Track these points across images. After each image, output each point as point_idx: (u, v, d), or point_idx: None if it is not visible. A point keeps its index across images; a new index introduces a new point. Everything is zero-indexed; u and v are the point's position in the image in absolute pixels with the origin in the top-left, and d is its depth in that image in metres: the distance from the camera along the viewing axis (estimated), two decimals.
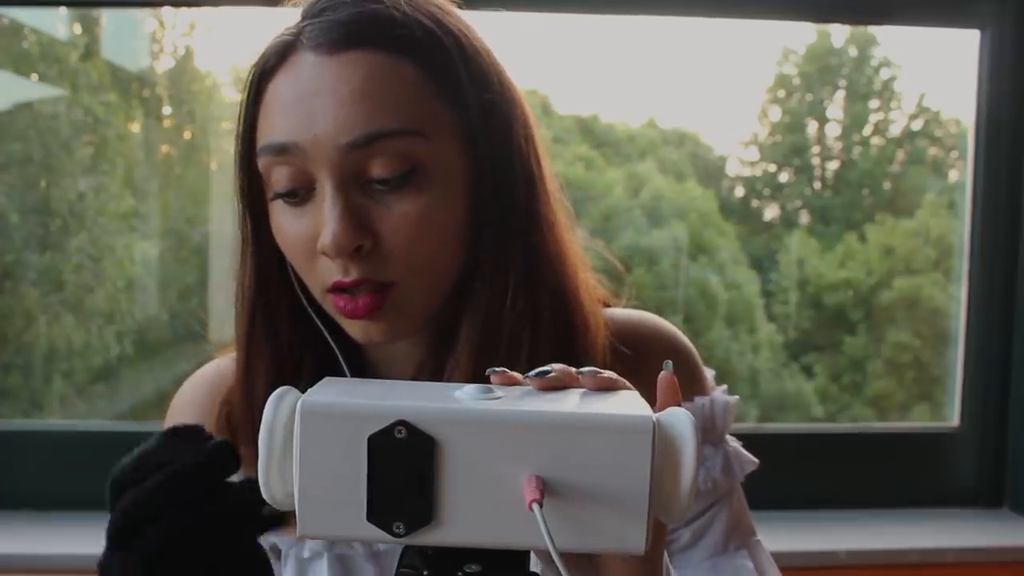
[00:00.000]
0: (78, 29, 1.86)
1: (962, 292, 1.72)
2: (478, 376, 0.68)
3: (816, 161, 2.45)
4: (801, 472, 1.63)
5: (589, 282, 0.79)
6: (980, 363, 1.70)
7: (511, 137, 0.72)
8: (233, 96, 2.05)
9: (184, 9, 1.89)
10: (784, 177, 2.44)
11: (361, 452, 0.48)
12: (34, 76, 1.79)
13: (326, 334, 0.75)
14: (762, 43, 2.24)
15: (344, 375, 0.76)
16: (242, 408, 0.76)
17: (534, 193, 0.73)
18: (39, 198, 1.79)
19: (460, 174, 0.69)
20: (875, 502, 1.66)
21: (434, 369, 0.74)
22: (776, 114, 2.43)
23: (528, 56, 1.59)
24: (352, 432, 0.48)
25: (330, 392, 0.51)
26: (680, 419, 0.51)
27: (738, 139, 2.41)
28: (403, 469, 0.48)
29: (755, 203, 2.50)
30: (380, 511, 0.48)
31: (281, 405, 0.50)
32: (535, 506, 0.46)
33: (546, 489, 0.48)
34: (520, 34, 1.69)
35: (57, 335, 1.80)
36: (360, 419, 0.48)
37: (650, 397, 0.51)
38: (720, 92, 2.14)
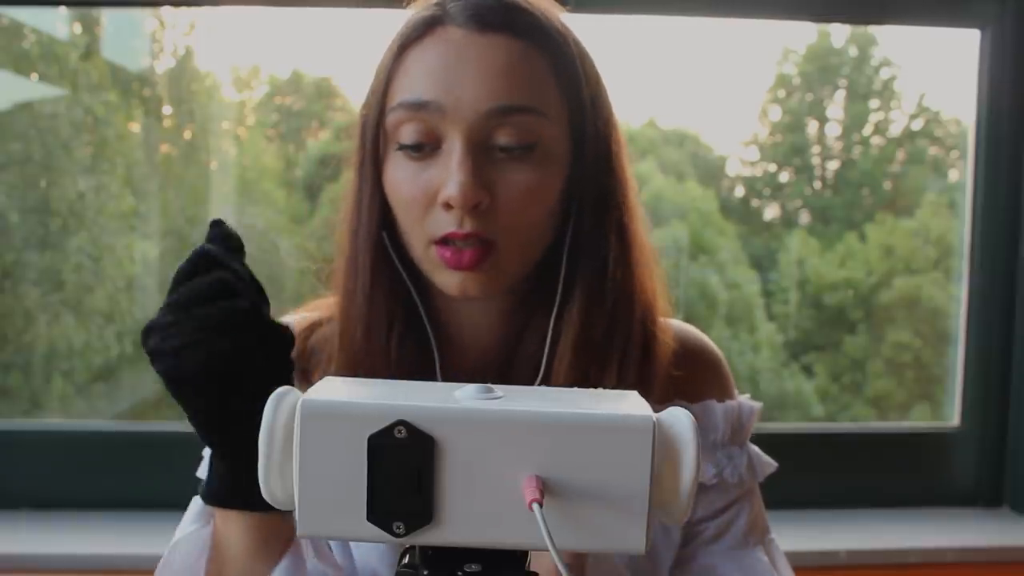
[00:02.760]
0: (78, 29, 1.86)
1: (962, 292, 1.72)
2: (582, 349, 0.77)
3: (816, 161, 2.45)
4: (801, 472, 1.63)
5: (662, 285, 0.86)
6: (980, 363, 1.70)
7: (608, 133, 0.80)
8: (233, 96, 2.05)
9: (184, 9, 1.89)
10: (784, 177, 2.44)
11: (361, 452, 0.48)
12: (34, 76, 1.79)
13: (413, 291, 0.80)
14: (762, 43, 2.24)
15: (425, 329, 0.81)
16: (341, 356, 0.81)
17: (625, 187, 0.82)
18: (39, 198, 1.79)
19: (563, 157, 0.77)
20: (875, 502, 1.66)
21: (506, 336, 0.82)
22: (776, 114, 2.42)
23: None
24: (352, 432, 0.48)
25: (330, 392, 0.51)
26: (680, 419, 0.51)
27: (738, 139, 2.41)
28: (403, 469, 0.48)
29: (755, 203, 2.49)
30: (380, 511, 0.48)
31: (281, 405, 0.50)
32: (535, 506, 0.46)
33: (546, 489, 0.48)
34: None
35: (57, 335, 1.80)
36: (360, 419, 0.48)
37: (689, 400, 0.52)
38: (720, 92, 2.14)
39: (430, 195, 0.75)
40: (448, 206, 0.74)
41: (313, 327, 0.86)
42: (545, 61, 0.76)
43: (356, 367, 0.79)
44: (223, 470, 0.66)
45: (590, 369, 0.78)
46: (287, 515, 0.66)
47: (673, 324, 0.88)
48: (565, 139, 0.77)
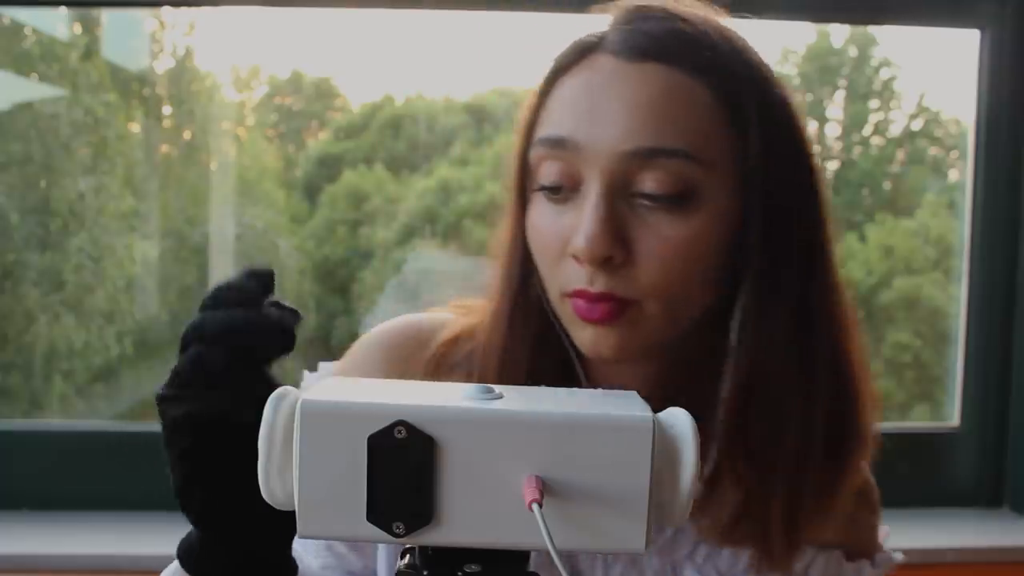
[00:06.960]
0: (78, 29, 1.86)
1: (962, 292, 1.72)
2: (749, 458, 0.68)
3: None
4: None
5: (865, 356, 0.75)
6: (980, 363, 1.69)
7: (795, 189, 0.69)
8: (233, 96, 2.05)
9: (184, 9, 1.89)
10: None
11: (361, 452, 0.48)
12: (34, 76, 1.79)
13: (565, 340, 0.72)
14: (762, 43, 2.23)
15: (582, 383, 0.74)
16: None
17: (813, 253, 0.70)
18: (39, 198, 1.79)
19: (729, 213, 0.67)
20: None
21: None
22: None
23: (528, 56, 1.58)
24: (352, 432, 0.48)
25: (330, 392, 0.51)
26: (680, 419, 0.51)
27: None
28: (403, 469, 0.48)
29: None
30: (380, 511, 0.48)
31: (281, 405, 0.50)
32: (535, 506, 0.46)
33: (546, 489, 0.48)
34: (520, 34, 1.69)
35: (57, 335, 1.80)
36: (360, 419, 0.48)
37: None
38: None
39: (562, 243, 0.66)
40: (578, 259, 0.65)
41: (458, 339, 0.78)
42: (711, 97, 0.66)
43: None
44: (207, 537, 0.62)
45: (758, 484, 0.68)
46: None
47: None
48: (732, 191, 0.66)
